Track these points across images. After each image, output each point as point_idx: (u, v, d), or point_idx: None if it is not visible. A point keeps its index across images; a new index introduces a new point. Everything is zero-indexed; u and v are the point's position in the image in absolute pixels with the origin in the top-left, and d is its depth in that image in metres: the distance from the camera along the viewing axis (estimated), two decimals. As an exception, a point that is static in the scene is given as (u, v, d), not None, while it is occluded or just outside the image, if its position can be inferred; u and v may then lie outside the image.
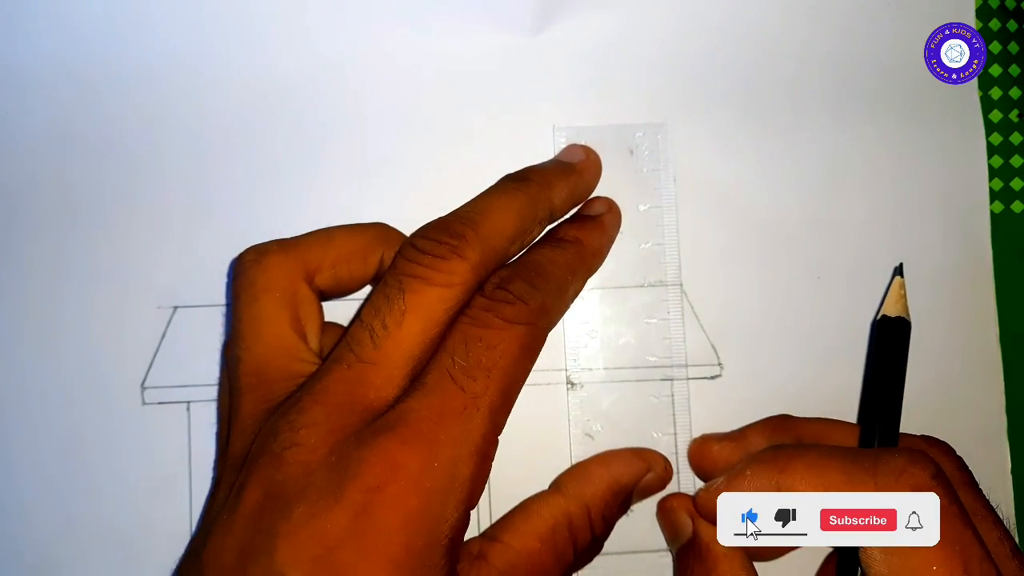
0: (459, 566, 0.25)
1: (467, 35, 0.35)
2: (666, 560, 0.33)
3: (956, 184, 0.35)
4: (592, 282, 0.33)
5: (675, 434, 0.33)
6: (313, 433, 0.24)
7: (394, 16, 0.35)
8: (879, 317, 0.32)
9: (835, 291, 0.34)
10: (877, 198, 0.35)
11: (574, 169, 0.32)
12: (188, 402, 0.33)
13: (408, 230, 0.31)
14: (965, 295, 0.35)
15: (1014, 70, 0.36)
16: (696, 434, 0.33)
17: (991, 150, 0.36)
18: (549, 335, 0.28)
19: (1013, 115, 0.36)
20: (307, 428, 0.24)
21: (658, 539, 0.33)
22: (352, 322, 0.26)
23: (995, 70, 0.36)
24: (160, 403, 0.33)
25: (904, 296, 0.32)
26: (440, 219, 0.28)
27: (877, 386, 0.30)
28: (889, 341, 0.31)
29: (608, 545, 0.30)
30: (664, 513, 0.31)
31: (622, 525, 0.31)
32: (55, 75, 0.34)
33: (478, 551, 0.27)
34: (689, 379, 0.34)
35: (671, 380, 0.33)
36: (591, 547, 0.29)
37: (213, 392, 0.33)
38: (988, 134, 0.36)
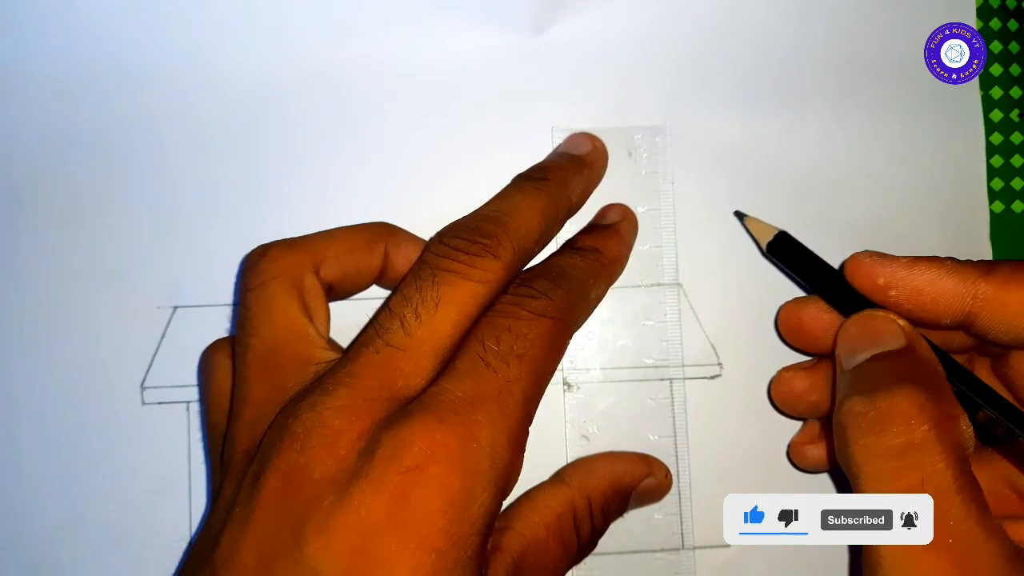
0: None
1: (467, 35, 0.35)
2: (663, 561, 0.33)
3: (956, 184, 0.35)
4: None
5: (674, 436, 0.33)
6: (339, 415, 0.23)
7: (394, 17, 0.34)
8: (768, 247, 0.32)
9: (834, 291, 0.34)
10: (877, 198, 0.35)
11: (585, 162, 0.32)
12: (188, 402, 0.33)
13: (409, 230, 0.31)
14: (965, 295, 0.35)
15: (1015, 69, 0.36)
16: (694, 436, 0.33)
17: (992, 150, 0.35)
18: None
19: (1014, 114, 0.36)
20: (332, 410, 0.23)
21: (656, 539, 0.33)
22: (379, 311, 0.26)
23: (996, 69, 0.36)
24: (160, 403, 0.33)
25: (760, 221, 0.33)
26: (469, 218, 0.28)
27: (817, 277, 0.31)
28: (791, 252, 0.32)
29: (606, 545, 0.30)
30: (861, 321, 0.28)
31: (619, 525, 0.31)
32: (55, 75, 0.34)
33: (491, 540, 0.26)
34: (689, 379, 0.34)
35: (669, 381, 0.33)
36: (589, 542, 0.29)
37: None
38: (989, 133, 0.35)
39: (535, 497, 0.28)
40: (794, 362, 0.33)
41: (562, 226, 0.31)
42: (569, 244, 0.31)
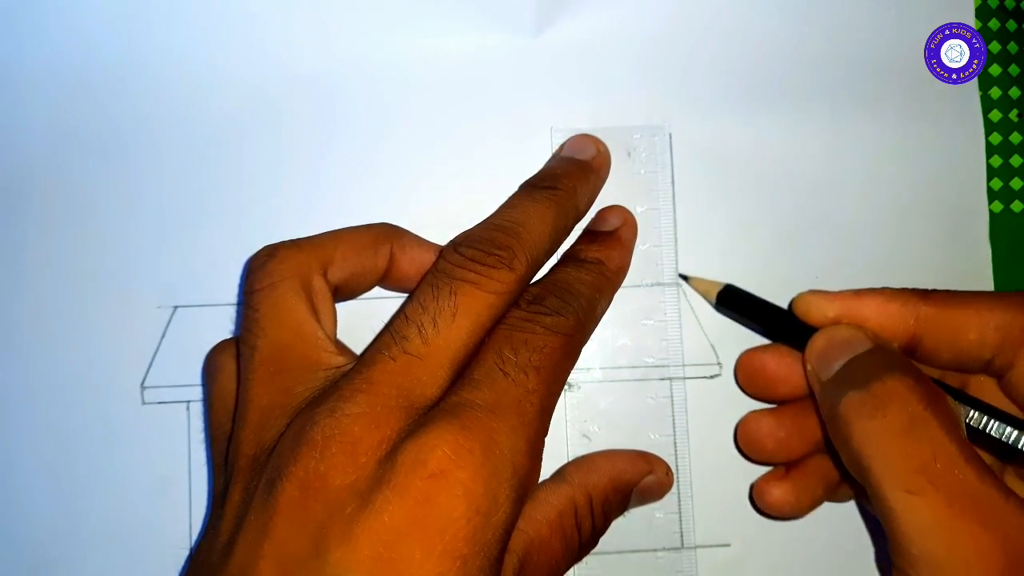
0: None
1: (466, 36, 0.35)
2: (664, 559, 0.33)
3: (955, 183, 0.35)
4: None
5: (674, 435, 0.33)
6: (359, 422, 0.23)
7: (394, 17, 0.35)
8: (718, 300, 0.33)
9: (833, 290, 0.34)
10: (876, 198, 0.35)
11: (591, 168, 0.32)
12: (188, 402, 0.33)
13: (410, 230, 0.31)
14: (964, 295, 0.35)
15: (1014, 70, 0.36)
16: (694, 435, 0.33)
17: (991, 149, 0.35)
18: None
19: (1013, 115, 0.36)
20: (351, 417, 0.23)
21: (656, 538, 0.33)
22: (394, 318, 0.26)
23: (995, 70, 0.36)
24: (160, 403, 0.33)
25: (704, 280, 0.34)
26: (483, 228, 0.28)
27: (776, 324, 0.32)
28: (741, 302, 0.33)
29: (607, 544, 0.30)
30: (827, 335, 0.29)
31: (620, 524, 0.31)
32: (55, 75, 0.34)
33: None
34: (688, 379, 0.34)
35: (669, 380, 0.33)
36: (591, 539, 0.29)
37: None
38: (988, 133, 0.35)
39: (537, 495, 0.28)
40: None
41: (570, 233, 0.31)
42: (573, 255, 0.31)
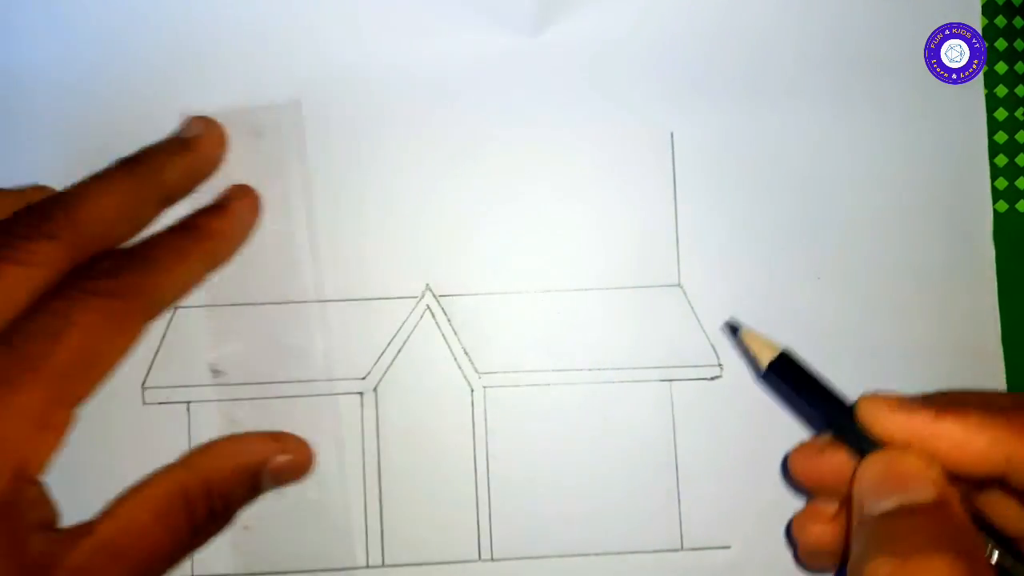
0: (51, 538, 0.24)
1: (467, 36, 0.34)
2: (663, 561, 0.33)
3: (959, 183, 0.35)
4: (590, 283, 0.33)
5: (674, 436, 0.33)
6: None
7: (393, 17, 0.34)
8: (768, 367, 0.30)
9: (835, 291, 0.34)
10: (878, 197, 0.35)
11: (189, 146, 0.32)
12: (188, 402, 0.33)
13: (404, 231, 0.31)
14: (967, 294, 0.34)
15: (1020, 67, 0.35)
16: (693, 436, 0.33)
17: (996, 148, 0.35)
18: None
19: (1019, 113, 0.35)
20: None
21: (655, 540, 0.33)
22: None
23: (1000, 67, 0.35)
24: (160, 403, 0.33)
25: (759, 337, 0.30)
26: (37, 202, 0.28)
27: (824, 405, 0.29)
28: (795, 377, 0.30)
29: (605, 545, 0.30)
30: (887, 461, 0.25)
31: (619, 525, 0.31)
32: (55, 75, 0.34)
33: (84, 526, 0.25)
34: (689, 380, 0.33)
35: (669, 382, 0.33)
36: (209, 526, 0.28)
37: (213, 392, 0.33)
38: (993, 132, 0.35)
39: (145, 480, 0.27)
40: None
41: (159, 210, 0.31)
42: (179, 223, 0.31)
